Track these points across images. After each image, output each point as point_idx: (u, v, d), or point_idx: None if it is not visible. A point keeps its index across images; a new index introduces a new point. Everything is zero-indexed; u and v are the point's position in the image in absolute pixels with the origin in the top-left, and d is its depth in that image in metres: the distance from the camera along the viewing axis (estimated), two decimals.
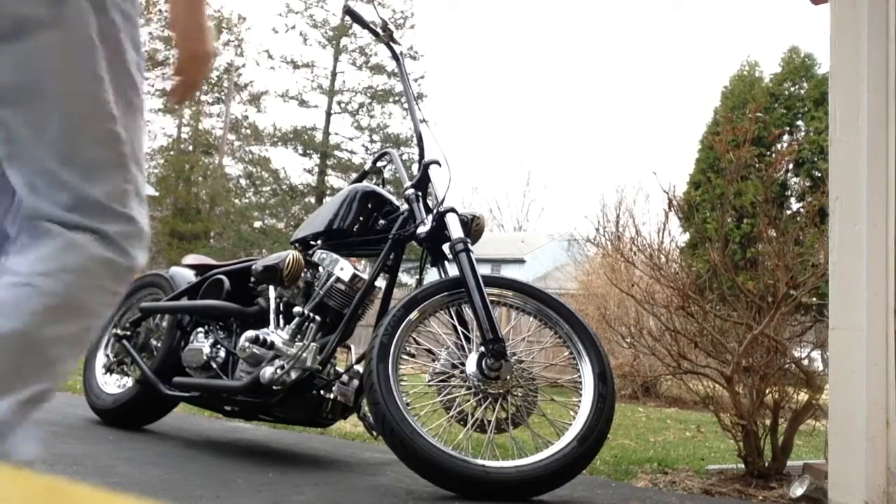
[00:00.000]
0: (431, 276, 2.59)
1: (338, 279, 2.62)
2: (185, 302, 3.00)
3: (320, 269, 2.70)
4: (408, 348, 2.31)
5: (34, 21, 1.00)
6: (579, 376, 2.27)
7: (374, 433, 2.48)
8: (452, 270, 2.43)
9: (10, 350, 0.98)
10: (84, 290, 1.06)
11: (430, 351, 2.41)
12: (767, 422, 2.74)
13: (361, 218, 2.73)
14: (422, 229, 2.51)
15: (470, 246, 2.39)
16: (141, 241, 1.12)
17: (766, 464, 2.71)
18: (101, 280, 1.08)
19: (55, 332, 1.03)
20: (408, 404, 2.17)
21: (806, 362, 2.97)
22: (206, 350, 2.78)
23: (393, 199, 2.81)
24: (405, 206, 2.63)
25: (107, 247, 1.07)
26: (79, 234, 1.05)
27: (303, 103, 25.74)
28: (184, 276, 3.18)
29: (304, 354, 2.44)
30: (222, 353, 2.78)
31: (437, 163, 2.58)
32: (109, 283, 1.09)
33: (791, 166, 11.22)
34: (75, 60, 1.04)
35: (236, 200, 25.03)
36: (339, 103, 25.74)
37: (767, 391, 2.74)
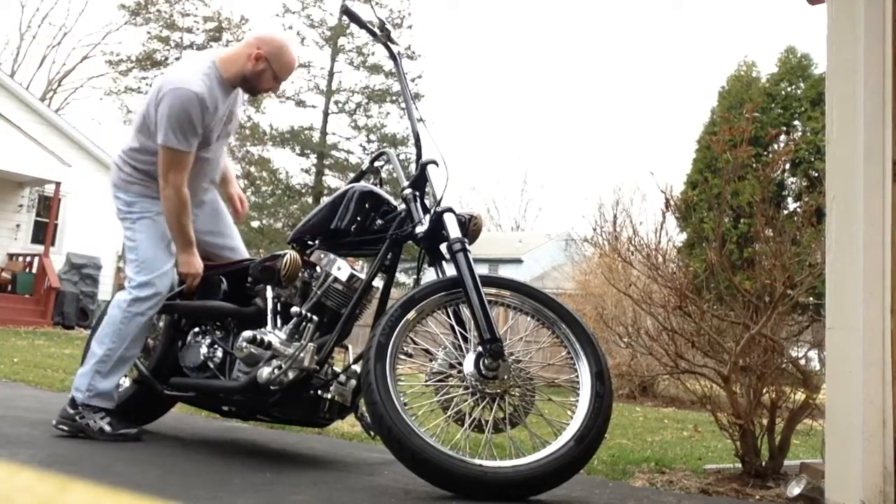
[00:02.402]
0: (429, 275, 2.59)
1: (335, 279, 2.62)
2: (182, 302, 2.99)
3: (318, 268, 2.70)
4: (405, 348, 2.31)
5: (121, 216, 2.91)
6: (577, 376, 2.27)
7: (372, 433, 2.48)
8: (450, 270, 2.43)
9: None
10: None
11: (427, 351, 2.41)
12: (765, 421, 2.74)
13: (359, 218, 2.72)
14: (419, 229, 2.51)
15: (467, 246, 2.39)
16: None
17: (764, 463, 2.71)
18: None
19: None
20: (405, 404, 2.17)
21: (803, 362, 2.97)
22: (204, 350, 2.78)
23: (390, 198, 2.80)
24: (403, 206, 2.63)
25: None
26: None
27: (300, 103, 25.68)
28: None
29: (302, 354, 2.44)
30: (219, 353, 2.78)
31: (435, 162, 2.58)
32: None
33: (788, 166, 11.22)
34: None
35: None
36: (336, 103, 25.66)
37: (764, 391, 2.75)
